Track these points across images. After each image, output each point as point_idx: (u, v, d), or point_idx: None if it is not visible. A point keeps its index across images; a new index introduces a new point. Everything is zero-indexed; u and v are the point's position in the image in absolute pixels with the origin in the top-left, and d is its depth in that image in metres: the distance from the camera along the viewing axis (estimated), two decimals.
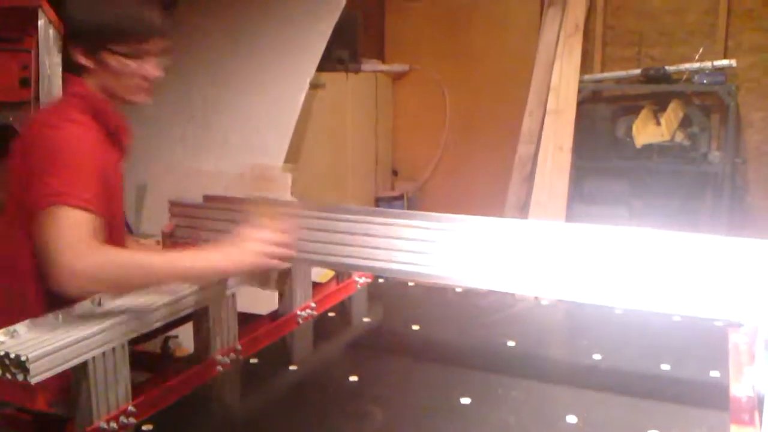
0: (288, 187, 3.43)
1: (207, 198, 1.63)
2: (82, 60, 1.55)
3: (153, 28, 1.56)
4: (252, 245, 1.45)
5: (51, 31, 2.75)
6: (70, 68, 1.58)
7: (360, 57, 4.50)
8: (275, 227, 1.49)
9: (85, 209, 1.38)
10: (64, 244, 1.33)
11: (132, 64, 1.55)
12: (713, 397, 1.37)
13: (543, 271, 1.41)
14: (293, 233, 1.51)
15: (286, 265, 1.53)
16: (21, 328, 1.23)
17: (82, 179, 1.42)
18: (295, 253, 1.51)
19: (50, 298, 1.46)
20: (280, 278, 1.58)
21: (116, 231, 1.63)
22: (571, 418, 1.29)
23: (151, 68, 1.58)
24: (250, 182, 1.53)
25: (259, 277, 1.56)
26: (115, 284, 1.37)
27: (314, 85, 3.91)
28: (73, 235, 1.34)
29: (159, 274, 1.39)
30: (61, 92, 2.81)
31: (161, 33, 1.58)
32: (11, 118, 2.75)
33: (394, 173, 5.05)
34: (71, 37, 1.56)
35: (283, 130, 3.62)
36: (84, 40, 1.54)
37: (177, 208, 1.74)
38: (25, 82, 2.74)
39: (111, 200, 1.57)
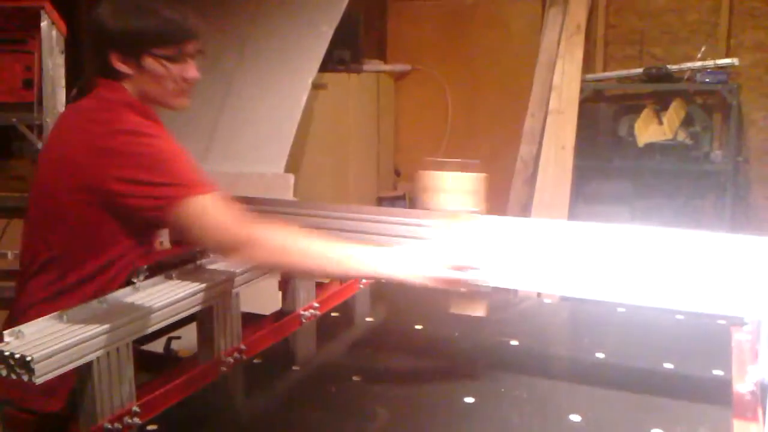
0: (290, 189, 3.44)
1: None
2: (121, 66, 1.52)
3: (192, 30, 1.56)
4: (435, 268, 1.38)
5: (54, 33, 2.76)
6: (104, 73, 1.55)
7: (362, 57, 4.50)
8: (463, 253, 1.39)
9: (213, 190, 1.44)
10: (224, 220, 1.39)
11: (174, 68, 1.55)
12: (716, 395, 1.37)
13: (547, 268, 1.41)
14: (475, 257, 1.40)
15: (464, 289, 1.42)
16: (26, 328, 1.23)
17: (192, 167, 1.47)
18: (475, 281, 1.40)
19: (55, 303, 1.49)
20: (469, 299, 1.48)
21: None
22: (575, 417, 1.29)
23: (192, 70, 1.58)
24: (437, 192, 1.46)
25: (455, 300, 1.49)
26: (289, 263, 1.42)
27: (316, 86, 3.92)
28: (231, 212, 1.41)
29: (320, 264, 1.41)
30: (63, 93, 2.82)
31: (199, 34, 1.58)
32: (14, 120, 2.76)
33: (397, 173, 5.06)
34: (108, 43, 1.52)
35: (286, 130, 3.62)
36: (123, 45, 1.51)
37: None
38: (28, 84, 2.75)
39: None
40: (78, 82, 2.88)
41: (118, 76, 1.54)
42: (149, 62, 1.53)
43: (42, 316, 1.26)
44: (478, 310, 1.43)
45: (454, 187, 1.44)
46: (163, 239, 1.71)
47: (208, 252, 1.55)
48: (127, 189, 1.44)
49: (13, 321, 1.47)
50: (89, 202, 1.48)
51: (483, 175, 1.42)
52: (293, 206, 1.57)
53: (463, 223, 1.44)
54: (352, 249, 1.43)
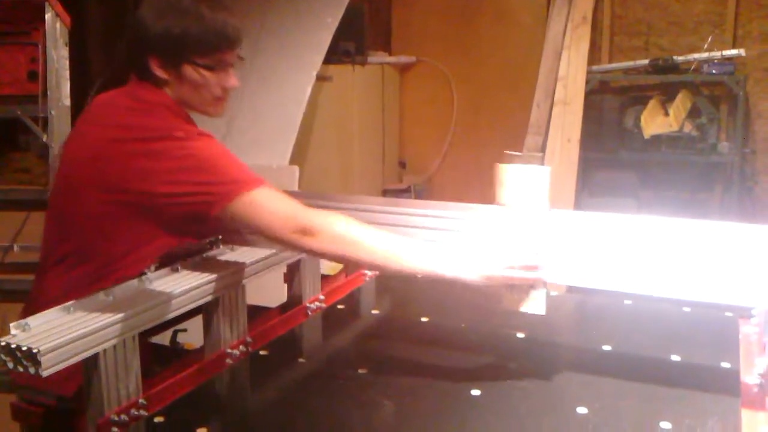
0: (295, 181, 3.43)
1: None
2: (160, 72, 1.50)
3: (233, 38, 1.53)
4: (497, 274, 1.38)
5: (58, 25, 2.75)
6: (141, 76, 1.52)
7: (366, 49, 4.49)
8: (530, 260, 1.38)
9: (264, 184, 1.43)
10: (290, 212, 1.40)
11: (212, 76, 1.52)
12: (724, 388, 1.37)
13: (555, 257, 1.40)
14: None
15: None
16: (32, 320, 1.23)
17: (240, 164, 1.46)
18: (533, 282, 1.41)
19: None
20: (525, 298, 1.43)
21: None
22: (582, 409, 1.29)
23: (231, 79, 1.56)
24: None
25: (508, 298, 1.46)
26: (344, 253, 1.41)
27: (321, 78, 3.91)
28: (289, 203, 1.42)
29: (383, 260, 1.41)
30: (68, 85, 2.82)
31: (240, 42, 1.55)
32: (19, 112, 2.76)
33: (402, 165, 5.05)
34: (149, 48, 1.49)
35: (290, 123, 3.61)
36: (164, 51, 1.49)
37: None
38: (33, 76, 2.75)
39: None
40: (103, 75, 2.88)
41: (156, 81, 1.51)
42: (188, 70, 1.50)
43: None
44: (532, 309, 1.43)
45: (528, 182, 1.42)
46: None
47: (270, 244, 1.54)
48: (172, 190, 1.41)
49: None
50: (124, 202, 1.44)
51: (549, 168, 1.42)
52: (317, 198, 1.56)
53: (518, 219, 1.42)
54: (413, 245, 1.43)
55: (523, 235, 1.41)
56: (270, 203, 1.42)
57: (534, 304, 1.43)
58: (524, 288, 1.42)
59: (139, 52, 1.51)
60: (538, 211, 1.41)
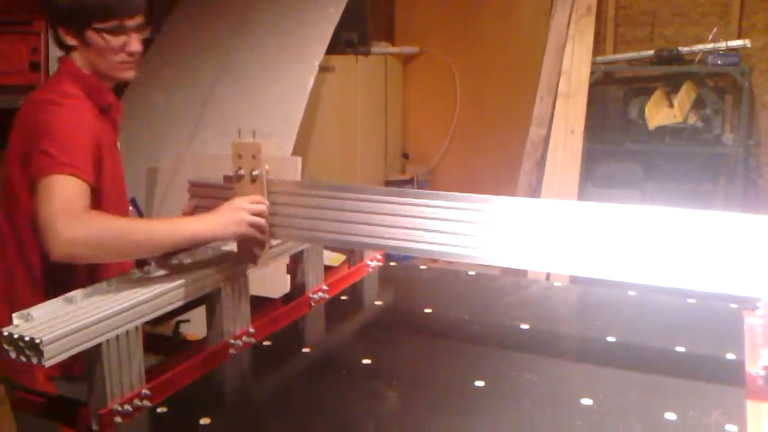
0: (298, 171, 3.43)
1: (227, 178, 1.63)
2: (68, 39, 1.60)
3: (132, 4, 1.61)
4: (229, 211, 1.49)
5: None
6: (59, 47, 1.63)
7: (369, 39, 4.47)
8: (254, 199, 1.52)
9: (78, 177, 1.43)
10: (55, 212, 1.37)
11: (115, 41, 1.59)
12: (729, 379, 1.36)
13: (558, 248, 1.39)
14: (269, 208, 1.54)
15: (257, 234, 1.52)
16: (35, 311, 1.23)
17: (77, 149, 1.47)
18: (266, 223, 1.53)
19: (35, 280, 1.56)
20: (265, 253, 1.56)
21: (120, 206, 1.68)
22: (586, 400, 1.29)
23: (134, 43, 1.62)
24: (235, 159, 1.55)
25: (245, 252, 1.56)
26: (104, 251, 1.40)
27: (323, 68, 3.90)
28: (64, 203, 1.39)
29: (144, 240, 1.41)
30: None
31: (141, 8, 1.62)
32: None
33: (405, 156, 5.04)
34: (55, 17, 1.60)
35: (293, 113, 3.60)
36: (68, 19, 1.59)
37: (197, 188, 1.73)
38: (35, 66, 2.74)
39: (111, 175, 1.62)
40: None
41: (68, 49, 1.62)
42: (92, 36, 1.58)
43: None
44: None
45: None
46: None
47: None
48: (24, 146, 1.49)
49: None
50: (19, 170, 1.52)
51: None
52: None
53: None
54: (166, 220, 1.51)
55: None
56: (57, 194, 1.40)
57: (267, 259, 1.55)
58: (258, 241, 1.53)
59: (52, 23, 1.62)
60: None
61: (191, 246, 1.52)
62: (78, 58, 1.61)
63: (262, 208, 1.52)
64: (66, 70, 1.61)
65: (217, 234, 1.49)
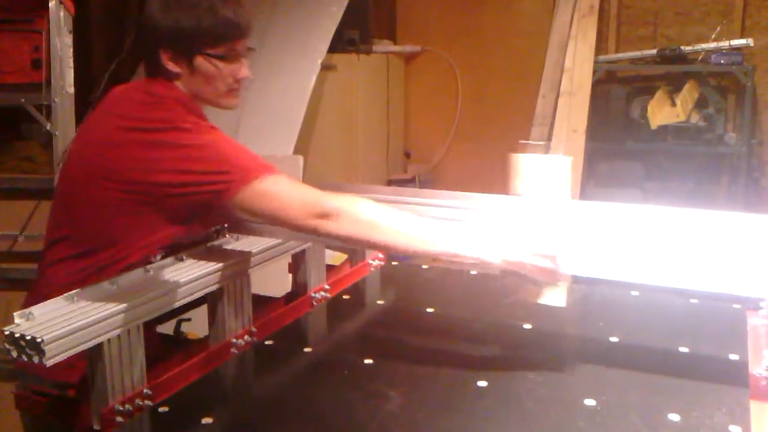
0: (300, 170, 3.42)
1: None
2: (171, 66, 1.49)
3: (244, 27, 1.52)
4: (519, 258, 1.37)
5: (62, 12, 2.74)
6: (154, 71, 1.52)
7: (371, 38, 4.47)
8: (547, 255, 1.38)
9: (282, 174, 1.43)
10: (310, 196, 1.40)
11: (225, 67, 1.51)
12: (733, 380, 1.36)
13: (561, 247, 1.39)
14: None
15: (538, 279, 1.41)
16: (36, 309, 1.23)
17: (256, 156, 1.45)
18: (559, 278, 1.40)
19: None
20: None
21: None
22: (590, 401, 1.28)
23: (243, 69, 1.55)
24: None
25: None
26: (366, 236, 1.41)
27: (325, 67, 3.89)
28: (306, 188, 1.42)
29: (405, 242, 1.40)
30: (72, 73, 2.81)
31: (250, 31, 1.55)
32: (23, 100, 2.75)
33: (407, 155, 5.03)
34: (158, 43, 1.48)
35: (295, 112, 3.60)
36: (174, 45, 1.48)
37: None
38: (36, 64, 2.74)
39: None
40: (115, 64, 2.87)
41: (168, 75, 1.50)
42: (201, 62, 1.49)
43: None
44: (554, 299, 1.42)
45: (545, 172, 1.43)
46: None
47: (289, 231, 1.50)
48: (176, 179, 1.40)
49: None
50: (127, 191, 1.43)
51: (570, 158, 1.41)
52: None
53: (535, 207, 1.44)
54: (434, 225, 1.43)
55: (540, 224, 1.40)
56: (285, 190, 1.41)
57: (551, 295, 1.42)
58: (537, 278, 1.41)
59: (150, 46, 1.50)
60: (559, 200, 1.39)
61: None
62: (179, 84, 1.50)
63: (553, 266, 1.36)
64: (173, 96, 1.48)
65: (480, 261, 1.39)
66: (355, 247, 1.73)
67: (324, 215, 1.39)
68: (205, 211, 1.46)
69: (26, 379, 1.49)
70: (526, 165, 1.44)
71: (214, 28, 1.48)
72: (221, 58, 1.50)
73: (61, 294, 1.27)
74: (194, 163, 1.41)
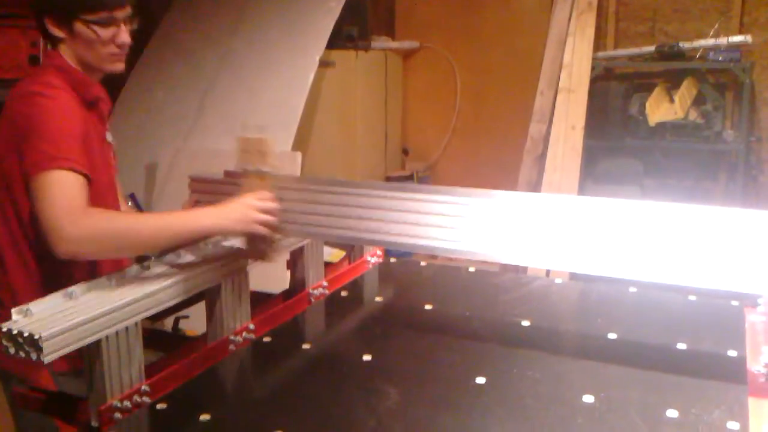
0: (298, 167, 3.42)
1: (228, 173, 1.62)
2: (55, 31, 1.56)
3: None
4: (239, 208, 1.48)
5: None
6: (45, 39, 1.60)
7: (370, 34, 4.46)
8: (264, 195, 1.51)
9: (75, 170, 1.42)
10: (58, 209, 1.37)
11: (105, 33, 1.56)
12: (731, 376, 1.36)
13: (559, 244, 1.39)
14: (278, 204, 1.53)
15: (267, 232, 1.51)
16: (34, 306, 1.22)
17: (70, 143, 1.46)
18: (276, 221, 1.52)
19: (31, 274, 1.55)
20: (273, 249, 1.56)
21: (110, 199, 1.66)
22: (588, 397, 1.28)
23: (123, 35, 1.59)
24: (241, 155, 1.54)
25: (253, 249, 1.56)
26: (110, 247, 1.41)
27: (323, 63, 3.89)
28: (66, 200, 1.38)
29: (152, 235, 1.42)
30: None
31: (128, 1, 1.59)
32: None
33: (405, 152, 5.03)
34: (42, 8, 1.57)
35: (293, 108, 3.59)
36: (55, 10, 1.56)
37: (198, 183, 1.73)
38: (34, 59, 2.73)
39: (100, 168, 1.60)
40: None
41: (54, 41, 1.58)
42: (80, 27, 1.55)
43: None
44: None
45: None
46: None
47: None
48: (22, 150, 1.45)
49: None
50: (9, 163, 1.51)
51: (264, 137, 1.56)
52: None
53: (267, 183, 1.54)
54: (169, 214, 1.51)
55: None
56: (56, 191, 1.39)
57: (275, 255, 1.55)
58: (266, 238, 1.52)
59: (37, 15, 1.59)
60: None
61: (197, 240, 1.52)
62: (65, 51, 1.58)
63: (273, 206, 1.51)
64: (51, 63, 1.58)
65: (226, 229, 1.50)
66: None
67: (74, 221, 1.36)
68: None
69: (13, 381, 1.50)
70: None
71: None
72: (100, 23, 1.55)
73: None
74: (26, 131, 1.45)
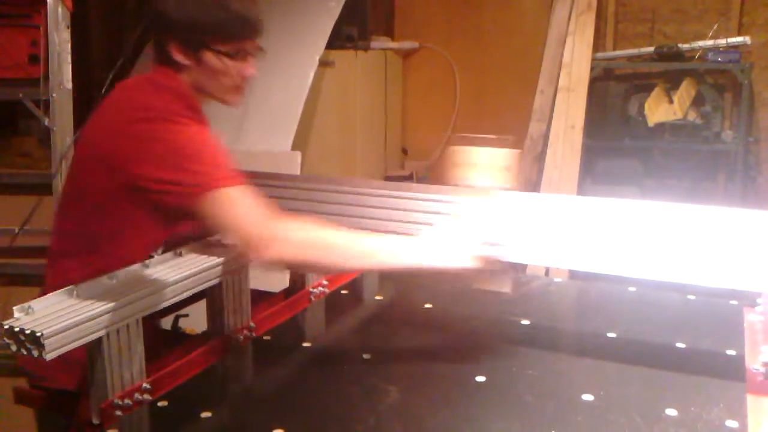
0: (297, 166, 3.42)
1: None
2: (180, 58, 1.49)
3: (256, 27, 1.53)
4: (467, 249, 1.36)
5: (60, 7, 2.74)
6: (161, 61, 1.52)
7: (369, 34, 4.46)
8: (493, 239, 1.38)
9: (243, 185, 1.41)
10: (255, 217, 1.37)
11: (232, 64, 1.51)
12: (730, 374, 1.36)
13: (558, 243, 1.40)
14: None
15: (496, 267, 1.41)
16: (36, 304, 1.23)
17: (225, 161, 1.43)
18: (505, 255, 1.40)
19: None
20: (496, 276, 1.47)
21: None
22: (588, 396, 1.29)
23: (249, 68, 1.55)
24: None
25: (479, 278, 1.48)
26: (314, 258, 1.38)
27: (323, 63, 3.89)
28: (257, 208, 1.38)
29: (358, 254, 1.37)
30: (69, 69, 2.80)
31: (261, 32, 1.55)
32: (21, 95, 2.74)
33: (404, 152, 5.03)
34: (168, 33, 1.49)
35: (293, 108, 3.60)
36: (184, 37, 1.48)
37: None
38: (34, 59, 2.73)
39: None
40: (120, 59, 2.87)
41: (175, 66, 1.51)
42: (208, 56, 1.49)
43: None
44: (505, 287, 1.42)
45: (486, 163, 1.42)
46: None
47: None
48: (151, 173, 1.41)
49: None
50: (124, 184, 1.44)
51: (516, 151, 1.40)
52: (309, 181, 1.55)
53: (485, 199, 1.43)
54: (381, 241, 1.41)
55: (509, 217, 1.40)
56: (239, 204, 1.39)
57: (500, 282, 1.48)
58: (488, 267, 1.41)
59: (161, 35, 1.51)
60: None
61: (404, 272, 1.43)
62: (184, 76, 1.51)
63: (500, 238, 1.37)
64: (171, 86, 1.50)
65: (448, 270, 1.37)
66: (306, 272, 1.69)
67: (265, 240, 1.36)
68: (184, 211, 1.45)
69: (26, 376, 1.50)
70: (472, 157, 1.44)
71: (226, 25, 1.48)
72: (229, 55, 1.50)
73: None
74: (165, 159, 1.40)
